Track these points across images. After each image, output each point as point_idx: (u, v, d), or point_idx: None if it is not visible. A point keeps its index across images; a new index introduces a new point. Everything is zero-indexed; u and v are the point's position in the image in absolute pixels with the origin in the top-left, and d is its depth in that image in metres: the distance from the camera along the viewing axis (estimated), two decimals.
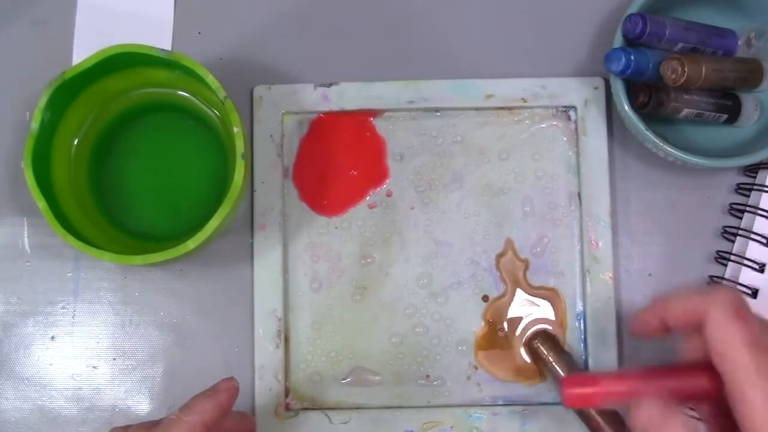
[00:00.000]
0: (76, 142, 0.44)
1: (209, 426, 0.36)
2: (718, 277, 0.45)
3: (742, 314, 0.34)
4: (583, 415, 0.43)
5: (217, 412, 0.37)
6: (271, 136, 0.46)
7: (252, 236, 0.45)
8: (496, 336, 0.45)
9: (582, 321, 0.45)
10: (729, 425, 0.33)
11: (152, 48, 0.41)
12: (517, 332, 0.45)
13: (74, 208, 0.43)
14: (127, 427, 0.38)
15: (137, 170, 0.46)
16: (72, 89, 0.42)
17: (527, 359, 0.45)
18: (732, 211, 0.46)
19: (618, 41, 0.42)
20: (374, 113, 0.46)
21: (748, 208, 0.45)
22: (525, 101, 0.46)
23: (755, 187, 0.45)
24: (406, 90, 0.46)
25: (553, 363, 0.43)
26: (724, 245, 0.46)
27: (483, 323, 0.45)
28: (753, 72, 0.44)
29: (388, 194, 0.46)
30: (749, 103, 0.44)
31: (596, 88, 0.46)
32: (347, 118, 0.46)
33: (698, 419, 0.37)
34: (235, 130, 0.40)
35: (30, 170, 0.40)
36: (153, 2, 0.48)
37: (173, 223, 0.45)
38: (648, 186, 0.46)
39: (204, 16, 0.48)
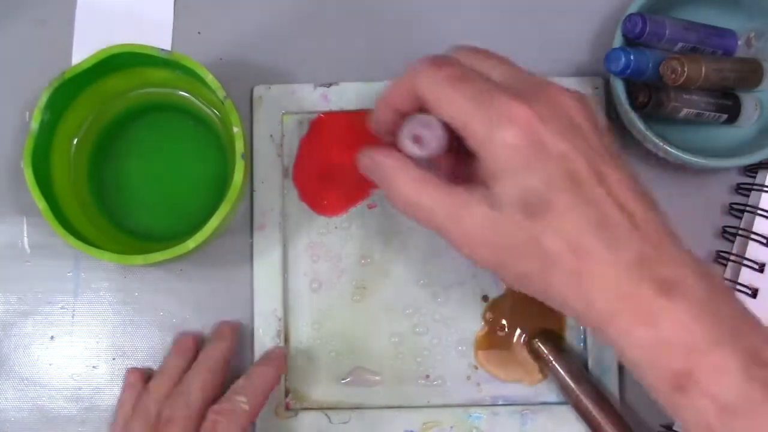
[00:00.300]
0: (75, 142, 0.44)
1: (270, 390, 0.41)
2: None
3: (440, 62, 0.34)
4: (584, 415, 0.43)
5: (275, 378, 0.42)
6: (271, 136, 0.46)
7: (252, 236, 0.45)
8: (496, 336, 0.45)
9: None
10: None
11: (152, 48, 0.41)
12: (517, 332, 0.45)
13: (74, 208, 0.43)
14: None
15: (137, 170, 0.46)
16: (72, 89, 0.42)
17: (528, 359, 0.45)
18: (732, 211, 0.46)
19: (618, 41, 0.42)
20: None
21: (748, 208, 0.45)
22: None
23: (755, 187, 0.45)
24: None
25: (554, 363, 0.43)
26: (724, 245, 0.46)
27: (483, 323, 0.45)
28: (753, 72, 0.44)
29: None
30: (749, 103, 0.44)
31: (596, 88, 0.46)
32: (347, 118, 0.46)
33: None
34: (235, 130, 0.40)
35: (30, 170, 0.40)
36: (153, 2, 0.48)
37: (173, 223, 0.45)
38: (648, 186, 0.46)
39: (204, 16, 0.48)
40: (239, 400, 0.39)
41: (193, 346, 0.44)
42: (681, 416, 0.30)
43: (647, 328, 0.30)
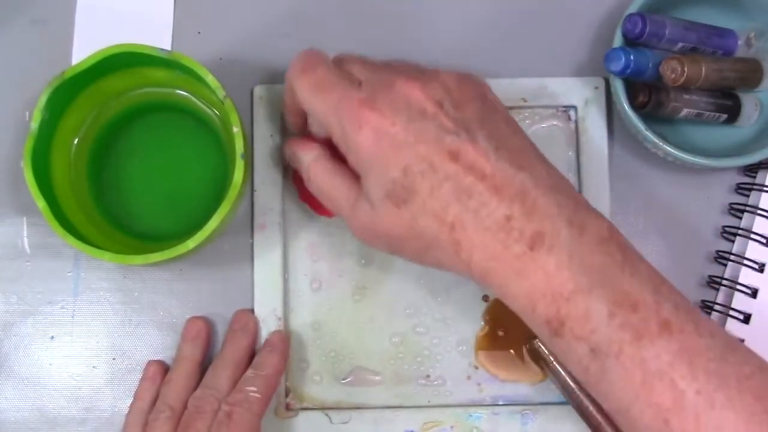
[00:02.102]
0: (75, 142, 0.44)
1: (280, 376, 0.43)
2: (718, 277, 0.45)
3: (307, 66, 0.37)
4: (584, 414, 0.43)
5: (282, 364, 0.43)
6: (271, 135, 0.46)
7: (252, 236, 0.45)
8: (496, 336, 0.45)
9: None
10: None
11: (152, 48, 0.41)
12: (518, 332, 0.45)
13: (74, 208, 0.43)
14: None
15: (137, 170, 0.46)
16: (72, 89, 0.42)
17: (528, 359, 0.45)
18: (732, 211, 0.46)
19: (618, 41, 0.42)
20: None
21: (748, 208, 0.45)
22: (525, 101, 0.46)
23: (755, 187, 0.45)
24: None
25: (554, 363, 0.43)
26: (724, 245, 0.46)
27: (483, 323, 0.45)
28: (753, 72, 0.44)
29: None
30: (749, 103, 0.44)
31: (596, 88, 0.46)
32: None
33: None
34: (235, 129, 0.40)
35: (30, 170, 0.40)
36: (153, 2, 0.48)
37: (173, 223, 0.45)
38: (648, 186, 0.46)
39: (204, 16, 0.48)
40: (250, 390, 0.41)
41: (204, 330, 0.44)
42: (561, 356, 0.34)
43: (519, 280, 0.33)
